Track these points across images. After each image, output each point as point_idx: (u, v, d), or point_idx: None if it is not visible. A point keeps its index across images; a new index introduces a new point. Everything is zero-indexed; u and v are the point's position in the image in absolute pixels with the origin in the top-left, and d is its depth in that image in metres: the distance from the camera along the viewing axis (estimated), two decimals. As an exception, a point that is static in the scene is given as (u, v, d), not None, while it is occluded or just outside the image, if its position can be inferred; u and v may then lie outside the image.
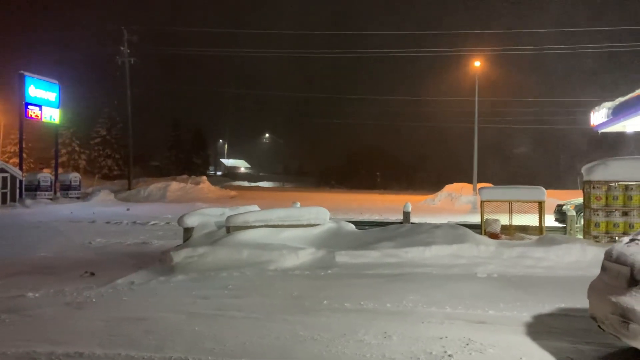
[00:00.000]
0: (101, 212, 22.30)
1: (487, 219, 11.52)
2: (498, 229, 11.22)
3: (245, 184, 66.31)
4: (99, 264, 9.72)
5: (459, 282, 7.84)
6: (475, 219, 14.21)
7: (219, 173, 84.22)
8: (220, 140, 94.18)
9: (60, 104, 29.59)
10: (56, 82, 29.20)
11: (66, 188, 29.70)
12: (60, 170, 32.68)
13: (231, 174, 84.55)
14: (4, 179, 24.66)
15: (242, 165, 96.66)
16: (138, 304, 6.67)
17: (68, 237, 14.00)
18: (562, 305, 6.53)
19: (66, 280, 8.24)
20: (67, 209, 23.81)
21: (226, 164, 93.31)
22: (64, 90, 30.32)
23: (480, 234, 10.99)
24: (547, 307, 6.45)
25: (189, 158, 68.19)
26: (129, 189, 34.65)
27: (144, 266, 9.36)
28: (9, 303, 6.74)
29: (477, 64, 33.72)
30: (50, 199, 27.38)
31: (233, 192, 38.47)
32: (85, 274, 8.74)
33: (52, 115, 28.81)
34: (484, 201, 11.83)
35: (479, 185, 27.75)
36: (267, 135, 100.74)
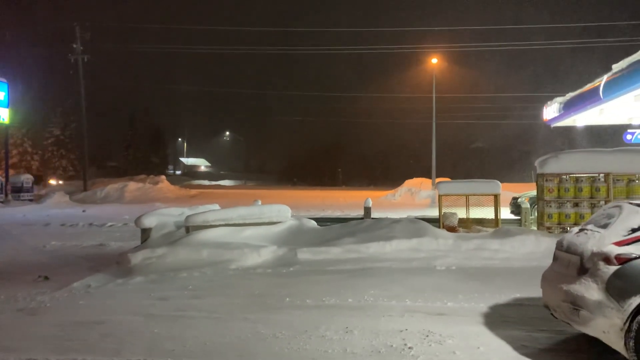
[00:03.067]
0: (56, 214, 21.60)
1: (444, 213, 11.75)
2: (455, 222, 11.46)
3: (206, 182, 65.45)
4: (54, 268, 9.42)
5: (419, 276, 7.97)
6: (435, 212, 14.43)
7: (178, 172, 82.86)
8: (180, 139, 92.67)
9: (11, 103, 28.44)
10: (4, 80, 28.03)
11: (18, 190, 28.59)
12: (11, 172, 31.45)
13: (191, 172, 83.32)
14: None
15: (202, 164, 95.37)
16: (95, 308, 6.51)
17: (21, 240, 13.51)
18: (518, 295, 6.72)
19: (19, 285, 7.94)
20: (20, 212, 22.95)
21: (186, 163, 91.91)
22: (14, 89, 29.13)
23: (439, 227, 11.19)
24: (503, 298, 6.63)
25: (147, 157, 66.81)
26: (85, 190, 33.71)
27: (101, 269, 9.13)
28: (-44, 311, 6.46)
29: (434, 61, 34.32)
30: (1, 202, 26.37)
31: (193, 192, 37.90)
32: (39, 278, 8.45)
33: (0, 115, 27.68)
34: (441, 195, 12.06)
35: (438, 179, 28.26)
36: (227, 133, 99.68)
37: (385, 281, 7.61)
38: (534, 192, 14.32)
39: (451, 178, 29.54)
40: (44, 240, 13.41)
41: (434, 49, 36.49)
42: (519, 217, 13.69)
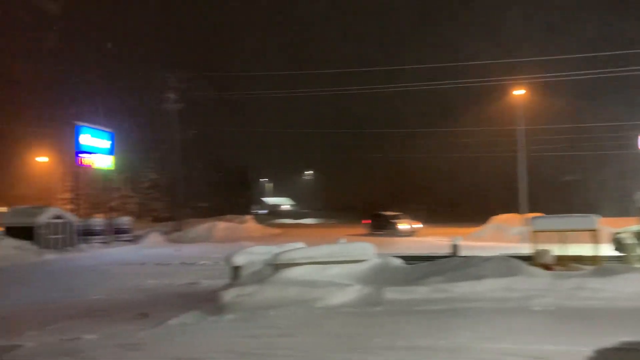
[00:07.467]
0: (151, 253, 22.79)
1: (538, 250, 11.18)
2: (550, 260, 10.85)
3: (289, 221, 66.59)
4: (151, 305, 9.90)
5: (514, 317, 7.58)
6: (525, 250, 13.75)
7: (262, 211, 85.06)
8: (263, 179, 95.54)
9: (114, 150, 30.83)
10: (110, 130, 30.48)
11: (118, 232, 30.54)
12: (112, 214, 33.75)
13: (275, 212, 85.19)
14: (60, 224, 25.58)
15: (285, 203, 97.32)
16: (191, 344, 6.75)
17: (120, 279, 14.35)
18: (625, 339, 6.20)
19: (119, 322, 8.43)
20: (119, 252, 24.47)
21: (269, 202, 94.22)
22: (117, 137, 31.57)
23: (532, 265, 10.64)
24: (609, 341, 6.13)
25: (235, 198, 69.23)
26: (178, 230, 35.38)
27: (194, 306, 9.46)
28: (65, 345, 6.94)
29: (520, 92, 33.18)
30: (103, 243, 28.20)
31: (277, 230, 38.68)
32: (138, 315, 8.92)
33: (105, 162, 29.99)
34: (535, 231, 11.51)
35: (530, 215, 27.00)
36: (309, 172, 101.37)
37: (477, 322, 7.30)
38: (637, 227, 13.33)
39: (541, 213, 28.11)
40: (141, 278, 14.17)
41: (520, 79, 35.29)
42: (622, 254, 12.74)
